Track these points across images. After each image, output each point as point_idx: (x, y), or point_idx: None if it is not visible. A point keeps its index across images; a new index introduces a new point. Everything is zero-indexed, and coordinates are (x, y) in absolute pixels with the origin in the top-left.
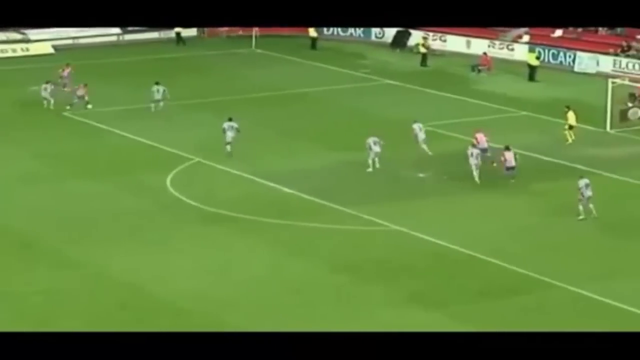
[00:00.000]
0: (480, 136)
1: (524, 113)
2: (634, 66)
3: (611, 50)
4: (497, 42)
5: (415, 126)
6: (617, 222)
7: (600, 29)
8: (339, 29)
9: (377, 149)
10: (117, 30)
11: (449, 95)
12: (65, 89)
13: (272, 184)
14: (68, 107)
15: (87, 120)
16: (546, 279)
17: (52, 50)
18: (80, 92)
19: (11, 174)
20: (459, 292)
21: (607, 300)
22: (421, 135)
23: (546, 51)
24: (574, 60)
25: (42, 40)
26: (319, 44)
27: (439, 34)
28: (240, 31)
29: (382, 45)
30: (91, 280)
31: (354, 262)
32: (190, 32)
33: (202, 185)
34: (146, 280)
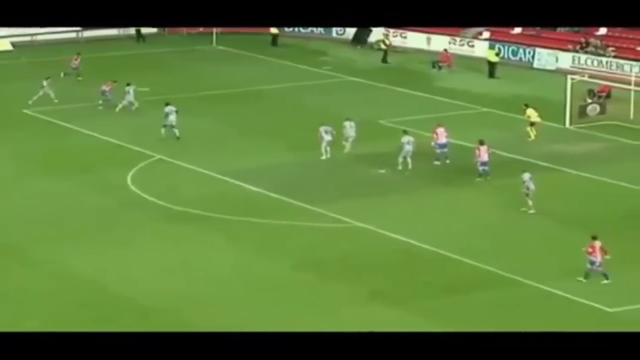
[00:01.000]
0: (441, 131)
1: (485, 109)
2: (592, 62)
3: (570, 47)
4: (457, 39)
5: (346, 123)
6: (579, 218)
7: None
8: None
9: (328, 137)
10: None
11: (410, 91)
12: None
13: (234, 181)
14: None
15: (49, 119)
16: (510, 275)
17: (10, 47)
18: (105, 87)
19: None
20: (423, 289)
21: (573, 297)
22: (351, 133)
23: (506, 48)
24: (533, 57)
25: (0, 37)
26: (280, 40)
27: (400, 31)
28: (200, 28)
29: (343, 42)
30: (54, 279)
31: (319, 260)
32: (150, 29)
33: (164, 182)
34: (109, 278)
